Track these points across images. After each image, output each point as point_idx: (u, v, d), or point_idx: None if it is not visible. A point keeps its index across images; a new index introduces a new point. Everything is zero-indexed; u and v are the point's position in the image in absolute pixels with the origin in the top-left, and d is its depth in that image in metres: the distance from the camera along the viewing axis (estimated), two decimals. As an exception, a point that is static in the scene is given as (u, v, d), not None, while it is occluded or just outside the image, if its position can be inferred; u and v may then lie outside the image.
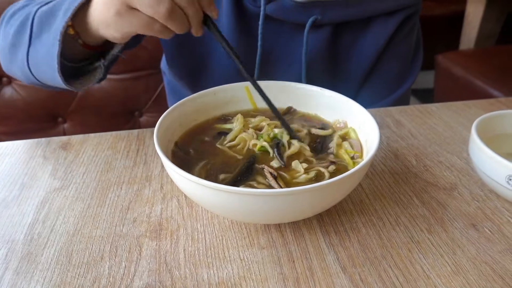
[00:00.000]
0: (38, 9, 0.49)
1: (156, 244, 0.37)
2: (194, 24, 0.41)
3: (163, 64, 0.77)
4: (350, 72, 0.65)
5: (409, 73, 0.68)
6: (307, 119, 0.48)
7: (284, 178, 0.37)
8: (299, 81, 0.54)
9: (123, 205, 0.42)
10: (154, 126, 0.39)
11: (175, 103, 0.77)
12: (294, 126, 0.45)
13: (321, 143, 0.43)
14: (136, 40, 0.58)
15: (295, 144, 0.41)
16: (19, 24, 0.49)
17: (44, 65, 0.46)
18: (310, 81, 0.61)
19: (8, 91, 0.99)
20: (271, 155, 0.40)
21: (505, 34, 2.10)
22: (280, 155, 0.39)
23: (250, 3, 0.58)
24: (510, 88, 1.48)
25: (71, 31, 0.45)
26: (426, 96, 2.38)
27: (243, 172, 0.37)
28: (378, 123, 0.40)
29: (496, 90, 1.52)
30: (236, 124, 0.44)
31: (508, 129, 0.47)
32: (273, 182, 0.36)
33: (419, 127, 0.56)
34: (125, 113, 1.09)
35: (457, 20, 2.14)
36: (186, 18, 0.40)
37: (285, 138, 0.42)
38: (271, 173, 0.36)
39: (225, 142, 0.43)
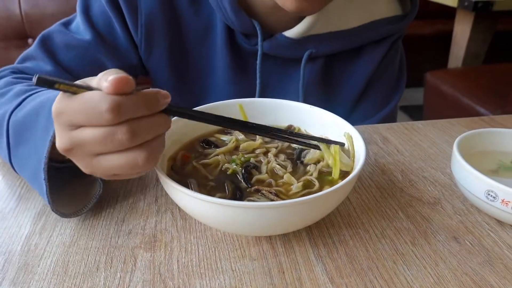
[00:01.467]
0: (13, 110, 0.44)
1: (151, 255, 0.38)
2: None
3: None
4: (342, 98, 0.68)
5: (395, 92, 0.70)
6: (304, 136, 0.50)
7: (281, 192, 0.39)
8: None
9: (118, 217, 0.43)
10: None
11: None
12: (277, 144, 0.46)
13: (296, 154, 0.45)
14: None
15: (270, 165, 0.42)
16: None
17: (30, 181, 0.43)
18: None
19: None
20: (239, 178, 0.41)
21: (491, 53, 2.16)
22: (247, 179, 0.40)
23: (244, 42, 0.60)
24: (496, 106, 1.52)
25: (54, 150, 0.38)
26: (416, 113, 2.43)
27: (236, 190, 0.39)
28: (365, 139, 0.42)
29: (483, 107, 1.56)
30: (229, 143, 0.46)
31: (488, 146, 0.49)
32: (275, 198, 0.37)
33: (405, 144, 0.58)
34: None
35: (445, 38, 2.21)
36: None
37: (266, 161, 0.43)
38: (270, 192, 0.37)
39: (202, 160, 0.44)
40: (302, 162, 0.43)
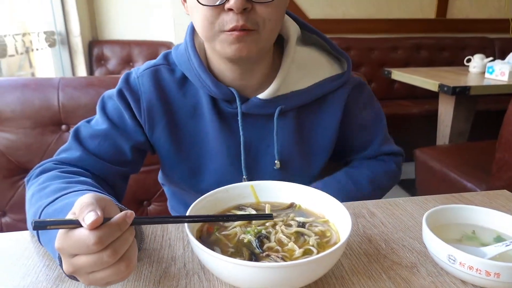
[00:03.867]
0: (45, 206, 0.56)
1: (183, 309, 0.48)
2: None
3: (160, 177, 0.92)
4: (318, 144, 0.82)
5: (376, 130, 0.87)
6: (303, 212, 0.61)
7: (286, 256, 0.50)
8: (275, 157, 0.77)
9: (155, 279, 0.53)
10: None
11: (175, 204, 0.94)
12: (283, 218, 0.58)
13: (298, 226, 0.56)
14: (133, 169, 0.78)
15: (277, 236, 0.54)
16: (32, 215, 0.59)
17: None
18: (284, 155, 0.80)
19: (34, 182, 1.12)
20: (254, 245, 0.52)
21: (475, 130, 2.33)
22: (260, 246, 0.52)
23: (227, 107, 0.76)
24: (481, 181, 1.64)
25: None
26: (409, 186, 2.54)
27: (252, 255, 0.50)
28: (355, 214, 0.54)
29: (469, 182, 1.68)
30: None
31: (453, 219, 0.61)
32: (282, 261, 0.48)
33: (389, 217, 0.69)
34: (136, 202, 1.21)
35: (432, 117, 2.39)
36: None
37: (274, 232, 0.54)
38: (278, 256, 0.48)
39: (223, 232, 0.55)
40: (303, 234, 0.55)
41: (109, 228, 0.42)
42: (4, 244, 0.62)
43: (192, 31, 0.76)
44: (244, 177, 0.79)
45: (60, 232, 0.43)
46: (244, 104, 0.75)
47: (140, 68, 0.78)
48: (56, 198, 0.56)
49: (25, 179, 0.70)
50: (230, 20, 0.62)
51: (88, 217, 0.41)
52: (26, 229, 0.69)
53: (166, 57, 0.79)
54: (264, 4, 0.62)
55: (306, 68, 0.78)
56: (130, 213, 0.45)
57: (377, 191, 0.85)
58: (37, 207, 0.58)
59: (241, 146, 0.77)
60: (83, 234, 0.41)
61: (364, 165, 0.87)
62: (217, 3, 0.62)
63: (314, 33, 0.81)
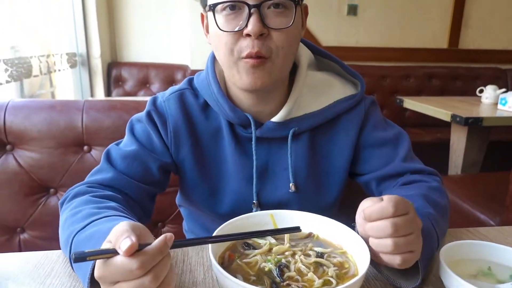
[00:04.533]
0: (78, 231, 0.59)
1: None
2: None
3: (178, 198, 0.95)
4: (333, 165, 0.83)
5: (398, 147, 0.82)
6: (321, 243, 0.63)
7: (306, 286, 0.52)
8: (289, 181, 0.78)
9: (177, 304, 0.55)
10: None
11: (192, 225, 0.96)
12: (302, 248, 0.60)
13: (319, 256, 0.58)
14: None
15: (297, 265, 0.55)
16: (64, 242, 0.62)
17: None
18: (298, 179, 0.80)
19: (53, 200, 1.16)
20: (274, 274, 0.54)
21: (488, 161, 2.32)
22: (281, 275, 0.53)
23: (243, 132, 0.79)
24: (494, 213, 1.63)
25: None
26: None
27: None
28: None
29: (483, 214, 1.67)
30: (264, 246, 0.59)
31: (469, 255, 0.62)
32: None
33: (404, 250, 0.70)
34: (151, 223, 1.23)
35: (444, 145, 2.38)
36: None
37: (294, 262, 0.56)
38: (298, 286, 0.50)
39: (244, 259, 0.57)
40: (321, 265, 0.56)
41: (151, 252, 0.44)
42: (31, 263, 0.65)
43: (213, 59, 0.81)
44: (254, 201, 0.81)
45: (99, 262, 0.45)
46: (259, 129, 0.78)
47: (165, 93, 0.83)
48: (87, 224, 0.59)
49: (59, 202, 0.73)
50: (247, 45, 0.67)
51: (124, 244, 0.43)
52: (45, 247, 0.72)
53: (190, 82, 0.84)
54: (280, 31, 0.67)
55: (319, 90, 0.81)
56: (170, 236, 0.47)
57: (439, 211, 0.71)
58: (69, 232, 0.60)
59: (253, 170, 0.79)
60: (125, 260, 0.43)
61: (401, 190, 0.76)
62: (236, 29, 0.67)
63: (327, 57, 0.85)
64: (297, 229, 0.59)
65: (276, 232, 0.59)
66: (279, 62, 0.70)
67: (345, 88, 0.83)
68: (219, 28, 0.68)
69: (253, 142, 0.78)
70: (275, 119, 0.78)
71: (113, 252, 0.44)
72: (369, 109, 0.84)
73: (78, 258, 0.43)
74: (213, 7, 0.68)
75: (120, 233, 0.45)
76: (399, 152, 0.82)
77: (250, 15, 0.65)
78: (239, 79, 0.71)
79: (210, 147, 0.81)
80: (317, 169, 0.83)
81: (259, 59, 0.68)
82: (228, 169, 0.81)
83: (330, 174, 0.84)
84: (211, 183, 0.82)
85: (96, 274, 0.45)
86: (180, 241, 0.50)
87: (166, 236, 0.46)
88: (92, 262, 0.50)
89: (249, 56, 0.67)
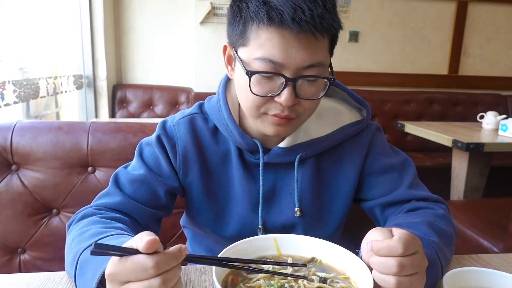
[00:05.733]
0: (84, 249, 0.59)
1: None
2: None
3: (183, 220, 0.95)
4: (338, 190, 0.83)
5: (404, 174, 0.82)
6: (324, 268, 0.63)
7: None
8: (294, 206, 0.79)
9: (179, 328, 0.54)
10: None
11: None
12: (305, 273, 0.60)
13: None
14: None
15: None
16: (71, 262, 0.62)
17: None
18: (304, 204, 0.81)
19: (55, 220, 1.16)
20: None
21: (491, 186, 2.31)
22: None
23: (251, 157, 0.80)
24: (498, 239, 1.62)
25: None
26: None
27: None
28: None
29: (486, 240, 1.66)
30: (267, 269, 0.59)
31: (472, 282, 0.62)
32: None
33: (407, 276, 0.70)
34: (153, 245, 1.22)
35: (446, 170, 2.39)
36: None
37: (297, 286, 0.56)
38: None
39: (247, 283, 0.57)
40: (325, 290, 0.56)
41: (166, 256, 0.45)
42: (33, 285, 0.65)
43: (225, 85, 0.83)
44: (259, 227, 0.81)
45: (113, 258, 0.46)
46: (266, 155, 0.79)
47: (175, 117, 0.84)
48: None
49: (67, 224, 0.74)
50: (275, 107, 0.69)
51: (146, 238, 0.44)
52: (45, 268, 0.71)
53: (201, 107, 0.86)
54: (310, 99, 0.69)
55: (326, 116, 0.83)
56: (184, 247, 0.48)
57: (444, 239, 0.70)
58: (76, 251, 0.61)
59: (259, 195, 0.80)
60: (141, 258, 0.44)
61: (406, 217, 0.75)
62: (269, 95, 0.68)
63: (335, 84, 0.86)
64: (304, 265, 0.61)
65: (284, 264, 0.60)
66: (304, 119, 0.74)
67: (351, 114, 0.85)
68: (251, 91, 0.67)
69: (260, 168, 0.79)
70: (282, 144, 0.79)
71: (132, 252, 0.45)
72: (374, 135, 0.85)
73: (97, 250, 0.43)
74: (250, 74, 0.66)
75: (143, 234, 0.46)
76: (404, 179, 0.82)
77: (284, 85, 0.66)
78: (261, 127, 0.73)
79: (218, 171, 0.82)
80: (322, 194, 0.84)
81: (286, 119, 0.70)
82: (235, 193, 0.82)
83: (335, 199, 0.84)
84: (218, 206, 0.83)
85: (107, 271, 0.46)
86: (193, 256, 0.51)
87: (181, 246, 0.47)
88: (104, 264, 0.51)
89: (276, 115, 0.69)
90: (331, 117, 0.83)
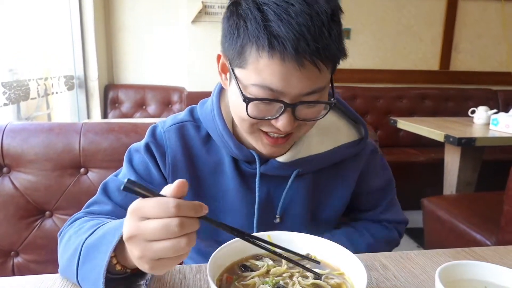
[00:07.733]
0: (87, 237, 0.60)
1: None
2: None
3: None
4: (330, 208, 0.85)
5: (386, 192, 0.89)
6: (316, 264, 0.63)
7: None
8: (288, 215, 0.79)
9: (175, 328, 0.54)
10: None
11: (192, 255, 0.93)
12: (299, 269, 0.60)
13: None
14: None
15: (295, 287, 0.55)
16: (70, 255, 0.62)
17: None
18: (292, 216, 0.82)
19: (48, 223, 1.15)
20: None
21: (483, 180, 2.34)
22: None
23: (247, 167, 0.79)
24: (490, 233, 1.64)
25: (113, 261, 0.55)
26: (418, 235, 2.51)
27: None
28: (367, 266, 0.56)
29: (478, 234, 1.67)
30: (262, 268, 0.59)
31: (465, 275, 0.62)
32: None
33: (401, 271, 0.70)
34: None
35: (439, 165, 2.41)
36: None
37: (292, 283, 0.56)
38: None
39: (242, 281, 0.57)
40: (319, 286, 0.56)
41: (188, 203, 0.48)
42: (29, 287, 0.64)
43: (219, 93, 0.80)
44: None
45: (140, 198, 0.48)
46: (263, 166, 0.78)
47: (166, 123, 0.81)
48: (94, 230, 0.60)
49: (58, 233, 0.72)
50: (271, 127, 0.67)
51: (176, 183, 0.48)
52: (39, 270, 0.71)
53: (192, 113, 0.83)
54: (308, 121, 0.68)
55: (326, 132, 0.81)
56: (206, 206, 0.50)
57: (350, 235, 0.86)
58: (77, 244, 0.61)
59: (255, 205, 0.80)
60: (165, 198, 0.47)
61: (367, 229, 0.89)
62: (266, 118, 0.65)
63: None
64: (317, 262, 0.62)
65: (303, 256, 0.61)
66: (300, 135, 0.72)
67: (350, 131, 0.84)
68: (248, 114, 0.64)
69: (257, 180, 0.78)
70: (281, 159, 0.77)
71: (161, 194, 0.48)
72: (369, 158, 0.87)
73: (128, 187, 0.46)
74: (248, 101, 0.63)
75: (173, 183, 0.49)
76: (382, 202, 0.91)
77: (283, 110, 0.63)
78: (255, 145, 0.72)
79: (209, 181, 0.81)
80: (314, 210, 0.84)
81: (282, 138, 0.69)
82: (229, 203, 0.81)
83: (325, 216, 0.86)
84: (210, 216, 0.82)
85: (131, 206, 0.48)
86: (211, 219, 0.53)
87: (203, 204, 0.50)
88: (109, 252, 0.53)
89: (271, 137, 0.69)
90: (331, 133, 0.82)
